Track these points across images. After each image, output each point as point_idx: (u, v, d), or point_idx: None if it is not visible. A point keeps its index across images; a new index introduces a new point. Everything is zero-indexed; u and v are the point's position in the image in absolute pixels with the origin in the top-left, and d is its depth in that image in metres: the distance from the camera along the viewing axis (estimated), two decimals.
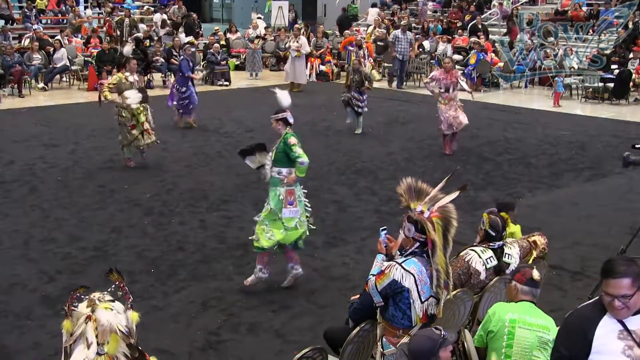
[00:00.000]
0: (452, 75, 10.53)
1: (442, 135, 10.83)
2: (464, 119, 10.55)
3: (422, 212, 3.60)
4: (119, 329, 2.71)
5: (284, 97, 6.18)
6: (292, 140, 5.98)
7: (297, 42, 17.08)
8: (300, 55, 16.95)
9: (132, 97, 9.48)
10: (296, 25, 23.03)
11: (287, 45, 17.93)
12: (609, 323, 2.93)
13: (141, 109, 9.63)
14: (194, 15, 22.88)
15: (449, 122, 10.50)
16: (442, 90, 10.54)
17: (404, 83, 18.09)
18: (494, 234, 4.62)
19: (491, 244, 4.62)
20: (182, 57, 13.14)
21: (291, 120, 6.09)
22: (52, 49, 16.94)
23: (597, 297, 3.08)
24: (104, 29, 20.11)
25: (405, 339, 3.65)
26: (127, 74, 9.68)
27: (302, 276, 6.35)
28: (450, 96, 10.49)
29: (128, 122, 9.59)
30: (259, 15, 22.97)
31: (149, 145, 9.84)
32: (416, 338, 3.44)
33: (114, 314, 2.73)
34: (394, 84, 18.09)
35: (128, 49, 11.15)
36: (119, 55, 17.24)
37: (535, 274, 3.83)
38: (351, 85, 12.14)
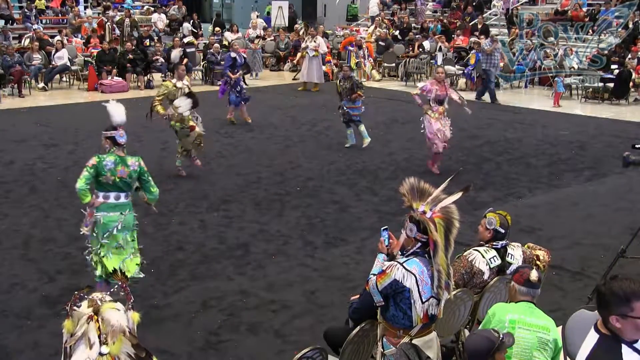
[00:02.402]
0: (444, 87, 9.57)
1: (433, 153, 9.79)
2: (448, 132, 9.70)
3: (424, 213, 3.60)
4: (127, 330, 2.71)
5: (117, 112, 5.48)
6: (91, 161, 5.32)
7: (315, 41, 17.08)
8: (317, 55, 16.96)
9: (183, 105, 8.97)
10: (296, 25, 23.10)
11: (303, 45, 17.92)
12: (629, 355, 2.85)
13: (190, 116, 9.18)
14: (195, 15, 22.92)
15: (443, 140, 9.59)
16: (431, 104, 9.54)
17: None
18: (503, 232, 4.64)
19: (495, 243, 4.62)
20: (229, 52, 13.44)
21: (120, 140, 5.39)
22: (53, 49, 16.93)
23: (597, 335, 2.93)
24: (106, 26, 20.08)
25: (405, 339, 3.65)
26: (175, 80, 9.27)
27: (301, 276, 6.36)
28: (441, 109, 9.54)
29: (185, 126, 9.15)
30: (257, 13, 23.08)
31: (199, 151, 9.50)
32: (475, 337, 3.45)
33: (121, 314, 2.73)
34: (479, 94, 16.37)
35: (176, 53, 10.73)
36: (119, 55, 17.31)
37: (533, 275, 3.83)
38: (342, 93, 11.24)
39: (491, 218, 4.67)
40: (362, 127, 11.29)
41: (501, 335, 3.36)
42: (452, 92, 9.77)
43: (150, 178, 5.57)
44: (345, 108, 11.15)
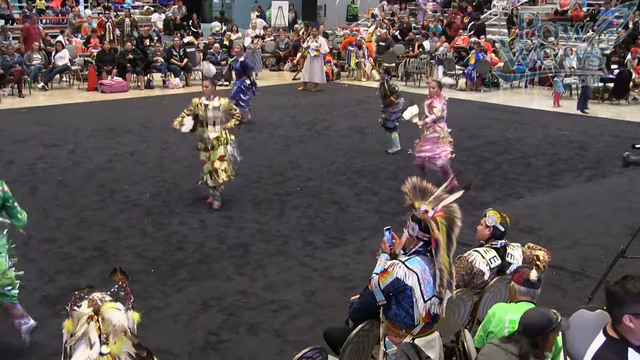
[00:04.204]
0: (438, 100, 8.70)
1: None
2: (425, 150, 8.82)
3: (426, 212, 3.60)
4: (128, 329, 2.72)
5: None
6: None
7: (316, 42, 17.06)
8: (319, 55, 16.94)
9: (186, 125, 7.94)
10: (296, 25, 23.10)
11: (305, 45, 17.91)
12: (635, 358, 2.81)
13: (221, 140, 8.02)
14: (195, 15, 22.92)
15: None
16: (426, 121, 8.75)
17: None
18: (502, 230, 4.64)
19: (494, 243, 4.62)
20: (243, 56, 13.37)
21: None
22: (53, 50, 16.94)
23: (604, 338, 2.88)
24: (106, 26, 20.07)
25: (407, 339, 3.65)
26: (203, 99, 7.97)
27: (301, 276, 6.37)
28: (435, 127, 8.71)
29: (200, 156, 8.18)
30: (258, 13, 23.06)
31: (215, 187, 8.17)
32: (534, 311, 3.47)
33: (122, 314, 2.73)
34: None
35: (208, 67, 9.00)
36: (119, 55, 17.31)
37: (533, 275, 3.84)
38: (380, 98, 10.60)
39: (492, 215, 4.68)
40: (394, 135, 10.73)
41: (559, 317, 3.38)
42: (406, 114, 8.88)
43: (16, 204, 5.05)
44: (381, 113, 10.75)
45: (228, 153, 8.13)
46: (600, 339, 2.92)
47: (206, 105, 7.91)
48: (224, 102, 8.01)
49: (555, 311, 3.48)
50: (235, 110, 8.19)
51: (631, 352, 2.82)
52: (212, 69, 9.15)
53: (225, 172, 8.07)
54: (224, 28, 21.62)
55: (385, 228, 3.95)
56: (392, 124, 10.69)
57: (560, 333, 3.89)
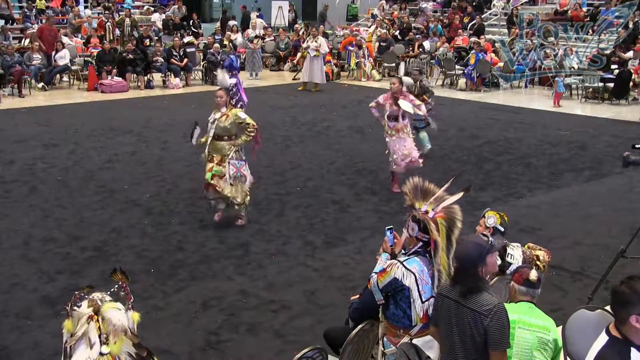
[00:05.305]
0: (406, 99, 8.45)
1: (391, 172, 8.83)
2: (413, 152, 8.53)
3: (426, 212, 3.61)
4: (129, 329, 2.72)
5: None
6: None
7: (316, 42, 17.05)
8: (319, 55, 16.93)
9: (195, 137, 7.56)
10: (296, 25, 23.11)
11: (304, 45, 17.91)
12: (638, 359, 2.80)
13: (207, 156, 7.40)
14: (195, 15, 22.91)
15: (402, 159, 8.42)
16: (386, 120, 8.60)
17: None
18: (502, 230, 4.64)
19: None
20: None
21: None
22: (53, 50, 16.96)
23: (607, 337, 2.87)
24: (107, 26, 20.06)
25: (405, 339, 3.65)
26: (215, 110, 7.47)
27: (301, 276, 6.37)
28: (398, 126, 8.51)
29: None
30: (259, 14, 23.07)
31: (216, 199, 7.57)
32: (464, 244, 3.44)
33: (122, 314, 2.73)
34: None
35: (223, 78, 7.80)
36: (119, 55, 17.31)
37: (532, 275, 3.84)
38: None
39: (491, 216, 4.68)
40: (423, 134, 10.30)
41: (490, 239, 3.35)
42: (404, 105, 8.35)
43: None
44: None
45: (230, 173, 7.31)
46: (602, 339, 2.91)
47: (211, 118, 7.43)
48: (232, 116, 7.28)
49: (483, 233, 3.49)
50: (247, 123, 7.27)
51: (634, 352, 2.81)
52: (227, 79, 7.90)
53: (226, 191, 7.31)
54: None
55: (386, 228, 3.95)
56: (420, 123, 10.28)
57: (560, 333, 3.90)
